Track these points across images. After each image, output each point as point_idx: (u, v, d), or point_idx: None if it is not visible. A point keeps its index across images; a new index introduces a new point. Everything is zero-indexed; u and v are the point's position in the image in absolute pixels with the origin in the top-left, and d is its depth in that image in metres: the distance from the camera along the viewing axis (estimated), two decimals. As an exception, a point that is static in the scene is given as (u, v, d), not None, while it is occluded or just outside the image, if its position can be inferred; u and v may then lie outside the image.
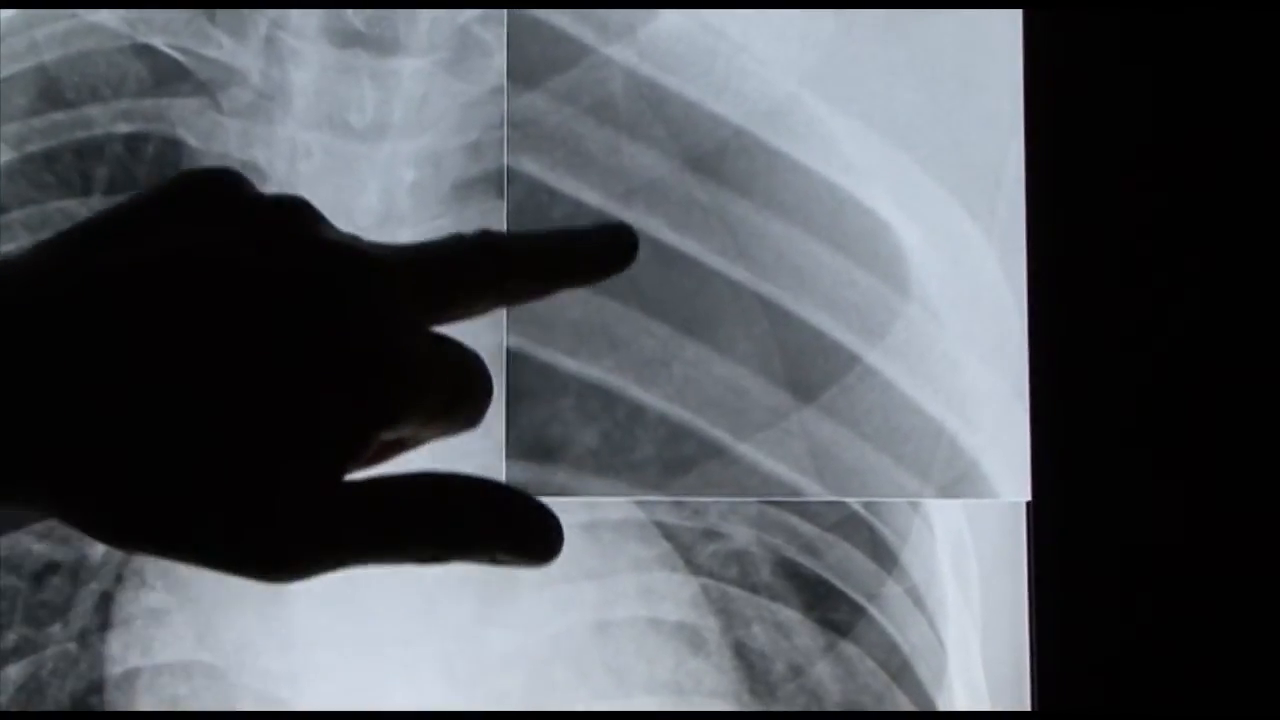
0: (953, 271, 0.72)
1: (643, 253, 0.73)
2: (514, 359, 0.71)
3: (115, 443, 0.33)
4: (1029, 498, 0.71)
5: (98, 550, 0.69)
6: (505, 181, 0.71)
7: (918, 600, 0.71)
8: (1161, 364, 0.72)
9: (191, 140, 0.71)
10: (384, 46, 0.72)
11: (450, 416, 0.37)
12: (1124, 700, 0.71)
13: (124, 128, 0.71)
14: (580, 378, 0.71)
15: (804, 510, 0.71)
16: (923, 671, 0.71)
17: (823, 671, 0.71)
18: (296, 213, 0.37)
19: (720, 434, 0.71)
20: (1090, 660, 0.71)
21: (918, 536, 0.72)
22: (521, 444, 0.70)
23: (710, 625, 0.71)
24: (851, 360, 0.72)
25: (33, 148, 0.71)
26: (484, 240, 0.39)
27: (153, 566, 0.70)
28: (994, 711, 0.71)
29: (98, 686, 0.69)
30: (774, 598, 0.71)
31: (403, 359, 0.35)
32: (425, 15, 0.72)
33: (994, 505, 0.72)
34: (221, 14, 0.71)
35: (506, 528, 0.37)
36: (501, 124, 0.72)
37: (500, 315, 0.71)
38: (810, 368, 0.71)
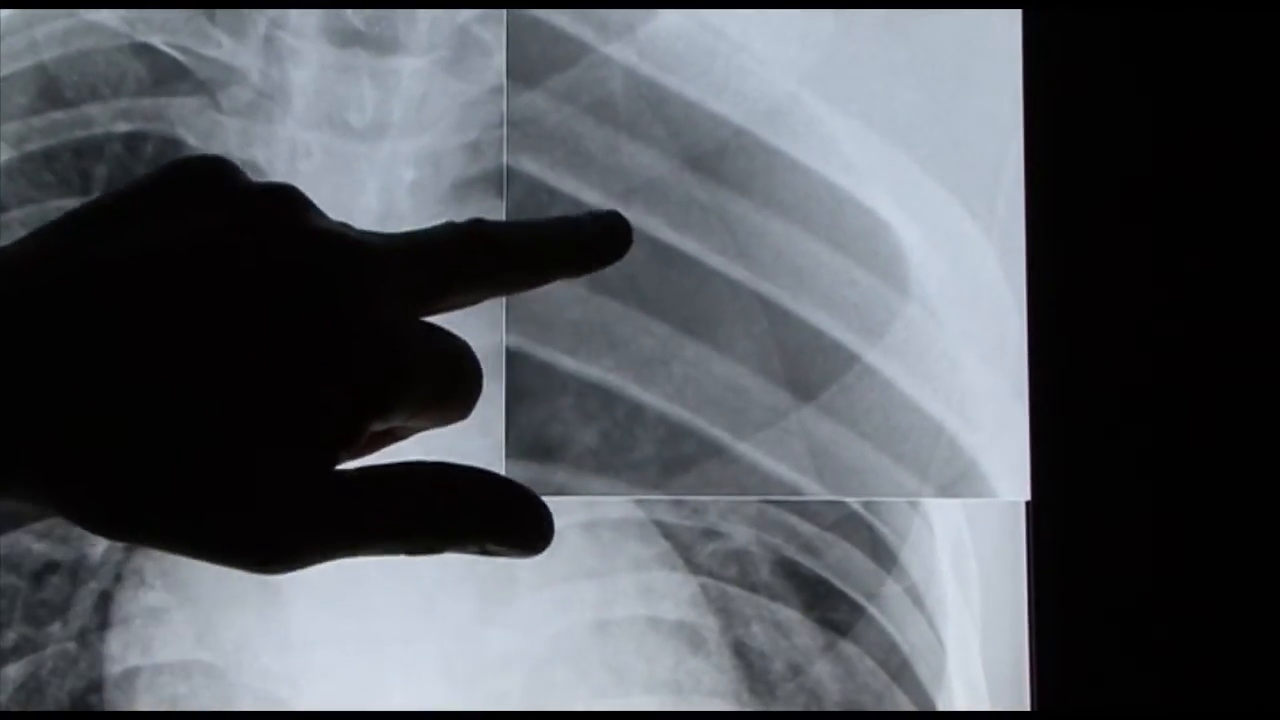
0: (952, 271, 0.72)
1: (642, 252, 0.73)
2: (513, 358, 0.71)
3: (106, 432, 0.33)
4: (1028, 497, 0.71)
5: (97, 549, 0.69)
6: (505, 181, 0.71)
7: (917, 599, 0.71)
8: (1161, 363, 0.72)
9: (191, 139, 0.71)
10: (383, 46, 0.72)
11: (441, 407, 0.37)
12: (1123, 700, 0.71)
13: (123, 127, 0.71)
14: (580, 377, 0.71)
15: (803, 509, 0.71)
16: (922, 671, 0.71)
17: (822, 671, 0.71)
18: (287, 201, 0.37)
19: (720, 433, 0.71)
20: (1090, 659, 0.71)
21: (917, 536, 0.72)
22: (521, 443, 0.70)
23: (710, 624, 0.71)
24: (851, 359, 0.72)
25: (32, 147, 0.71)
26: (477, 229, 0.39)
27: (152, 565, 0.70)
28: (994, 712, 0.71)
29: (97, 686, 0.69)
30: (773, 597, 0.71)
31: (394, 349, 0.35)
32: (425, 14, 0.72)
33: (993, 504, 0.72)
34: (221, 13, 0.71)
35: (497, 518, 0.37)
36: (501, 123, 0.72)
37: (499, 314, 0.71)
38: (809, 367, 0.71)
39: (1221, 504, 0.71)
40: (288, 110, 0.72)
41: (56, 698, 0.69)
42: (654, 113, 0.72)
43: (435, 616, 0.70)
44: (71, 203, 0.70)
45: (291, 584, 0.69)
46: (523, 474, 0.70)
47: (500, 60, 0.72)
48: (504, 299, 0.71)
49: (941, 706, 0.71)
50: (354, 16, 0.72)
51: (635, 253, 0.71)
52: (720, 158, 0.72)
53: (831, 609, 0.71)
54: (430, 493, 0.36)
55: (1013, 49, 0.73)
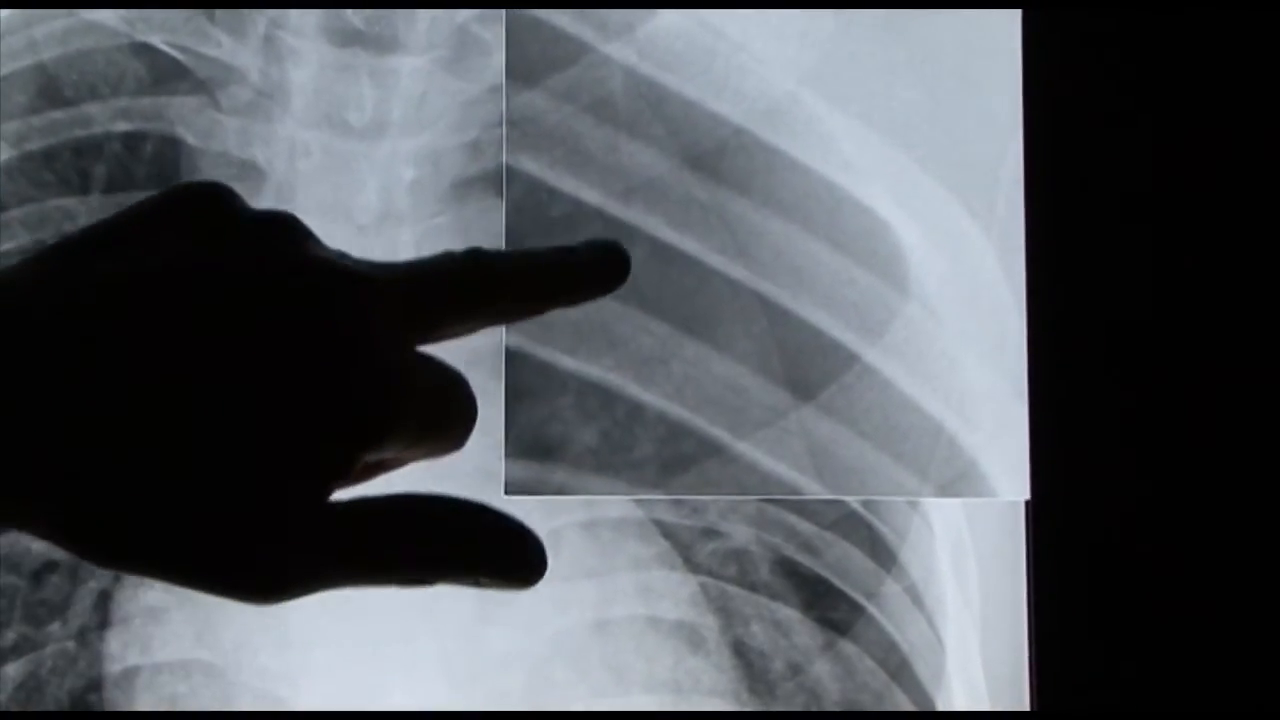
0: (952, 270, 0.72)
1: (641, 251, 0.73)
2: (513, 358, 0.71)
3: (98, 460, 0.33)
4: (1028, 496, 0.71)
5: (96, 549, 0.69)
6: (504, 180, 0.71)
7: (916, 599, 0.71)
8: (1160, 362, 0.72)
9: (190, 139, 0.71)
10: (383, 45, 0.72)
11: (435, 439, 0.37)
12: (1123, 699, 0.71)
13: (123, 126, 0.71)
14: (579, 376, 0.71)
15: (803, 509, 0.71)
16: (921, 670, 0.71)
17: (821, 670, 0.71)
18: (285, 229, 0.37)
19: (719, 432, 0.71)
20: (1089, 659, 0.71)
21: (916, 535, 0.72)
22: (520, 442, 0.70)
23: (709, 624, 0.71)
24: (850, 359, 0.72)
25: (31, 146, 0.71)
26: (474, 259, 0.38)
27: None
28: (994, 712, 0.71)
29: (96, 685, 0.69)
30: (773, 596, 0.71)
31: (389, 380, 0.35)
32: (424, 14, 0.72)
33: (993, 504, 0.72)
34: (220, 12, 0.71)
35: (490, 550, 0.37)
36: (500, 122, 0.72)
37: (499, 314, 0.71)
38: (809, 366, 0.71)
39: (1221, 503, 0.71)
40: (287, 109, 0.72)
41: (56, 697, 0.69)
42: (653, 112, 0.72)
43: (435, 615, 0.70)
44: (71, 202, 0.70)
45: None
46: (522, 473, 0.70)
47: (499, 59, 0.72)
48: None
49: (941, 706, 0.71)
50: (353, 16, 0.72)
51: (635, 252, 0.71)
52: (720, 157, 0.72)
53: (831, 608, 0.71)
54: (423, 525, 0.36)
55: (1012, 49, 0.73)
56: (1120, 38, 0.72)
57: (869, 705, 0.71)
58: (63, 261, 0.35)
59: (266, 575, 0.34)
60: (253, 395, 0.34)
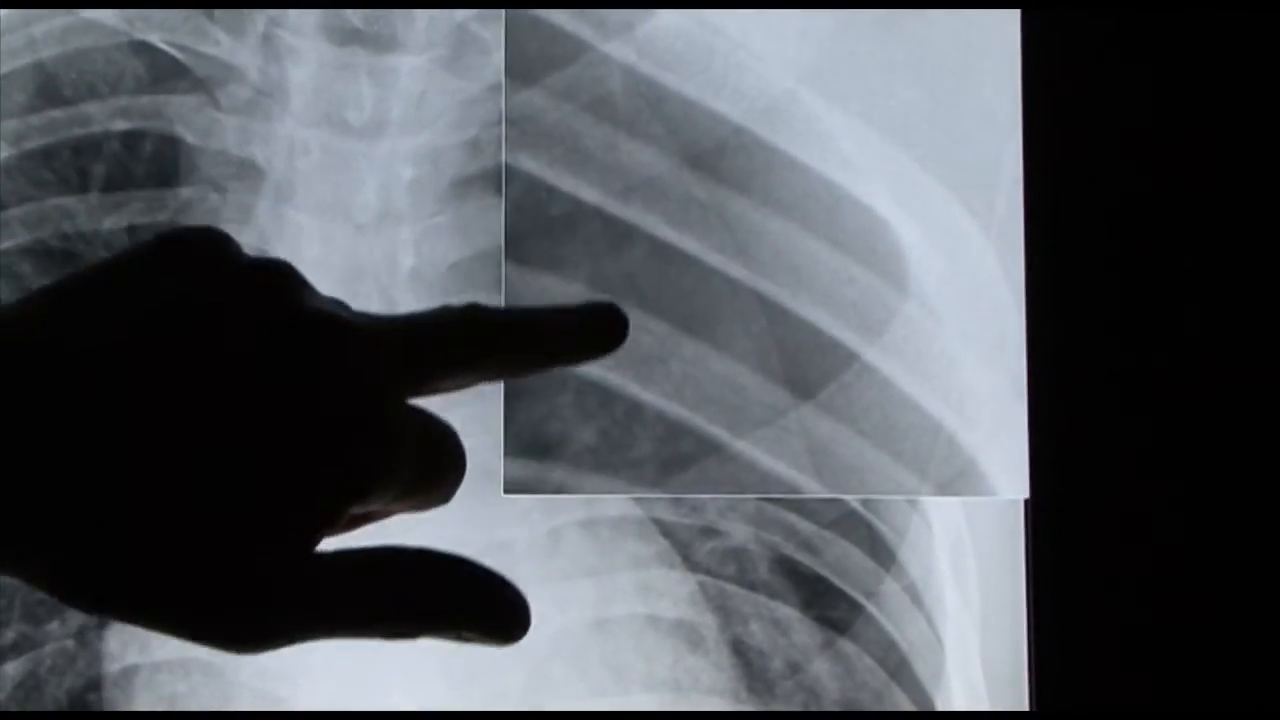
0: (951, 269, 0.72)
1: (641, 250, 0.73)
2: (512, 356, 0.70)
3: (83, 509, 0.33)
4: (1027, 495, 0.71)
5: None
6: (504, 179, 0.71)
7: (916, 598, 0.71)
8: (1160, 361, 0.72)
9: (189, 137, 0.71)
10: (382, 44, 0.72)
11: (423, 493, 0.37)
12: (1122, 699, 0.71)
13: (122, 125, 0.71)
14: (578, 375, 0.71)
15: (802, 507, 0.71)
16: (921, 669, 0.71)
17: (821, 669, 0.71)
18: (280, 279, 0.36)
19: (718, 431, 0.71)
20: (1088, 658, 0.71)
21: (916, 534, 0.72)
22: (519, 441, 0.70)
23: (708, 622, 0.71)
24: (850, 358, 0.72)
25: (30, 145, 0.71)
26: (470, 316, 0.38)
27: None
28: (994, 712, 0.71)
29: (96, 684, 0.69)
30: (772, 595, 0.71)
31: (378, 435, 0.35)
32: (423, 12, 0.72)
33: (992, 503, 0.72)
34: (219, 11, 0.71)
35: (473, 607, 0.37)
36: (500, 121, 0.72)
37: (498, 313, 0.71)
38: (808, 365, 0.71)
39: (1221, 502, 0.71)
40: (286, 108, 0.72)
41: (55, 696, 0.69)
42: (653, 111, 0.72)
43: (434, 615, 0.70)
44: (70, 201, 0.70)
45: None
46: (521, 472, 0.70)
47: (499, 58, 0.72)
48: (502, 296, 0.71)
49: (940, 704, 0.71)
50: (352, 14, 0.72)
51: (634, 250, 0.72)
52: (719, 156, 0.72)
53: (830, 607, 0.71)
54: (406, 580, 0.36)
55: (1011, 47, 0.73)
56: (1119, 38, 0.72)
57: (868, 704, 0.71)
58: (54, 305, 0.35)
59: (247, 626, 0.34)
60: (240, 445, 0.34)
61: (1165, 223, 0.72)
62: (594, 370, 0.71)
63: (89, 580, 0.33)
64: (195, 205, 0.71)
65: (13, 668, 0.69)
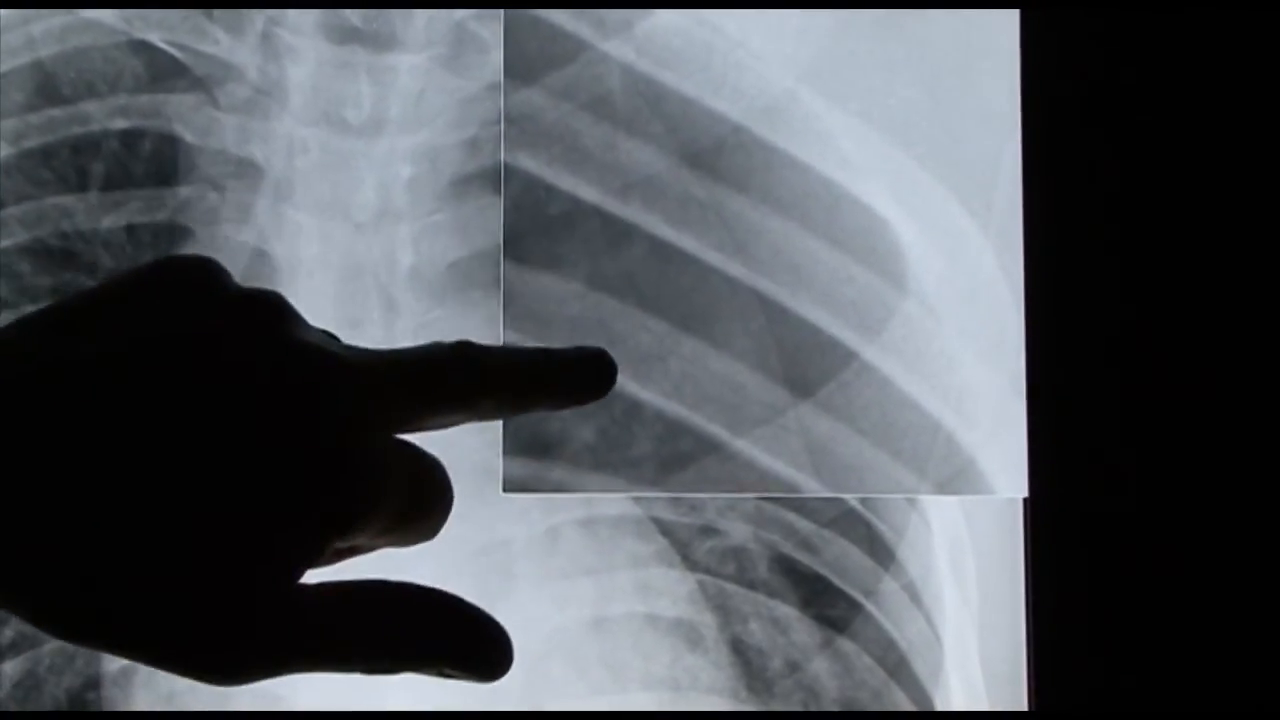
0: (950, 268, 0.72)
1: (639, 248, 0.73)
2: (511, 355, 0.70)
3: (64, 541, 0.33)
4: (1026, 494, 0.71)
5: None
6: (502, 177, 0.71)
7: (915, 596, 0.71)
8: (1159, 360, 0.72)
9: (188, 136, 0.71)
10: (381, 42, 0.72)
11: (408, 528, 0.37)
12: (1122, 697, 0.71)
13: (121, 124, 0.71)
14: (577, 374, 0.71)
15: (801, 506, 0.71)
16: (920, 668, 0.71)
17: (820, 668, 0.71)
18: (270, 311, 0.36)
19: (717, 430, 0.71)
20: (1088, 656, 0.71)
21: (915, 533, 0.72)
22: (518, 440, 0.70)
23: (707, 621, 0.71)
24: (848, 356, 0.72)
25: (29, 144, 0.71)
26: (460, 354, 0.38)
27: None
28: (993, 712, 0.71)
29: (95, 683, 0.69)
30: (771, 594, 0.71)
31: (363, 468, 0.35)
32: (422, 11, 0.72)
33: (991, 501, 0.72)
34: (218, 10, 0.71)
35: (456, 643, 0.37)
36: (498, 120, 0.72)
37: (497, 311, 0.71)
38: (807, 364, 0.71)
39: (1220, 501, 0.71)
40: (285, 107, 0.72)
41: (54, 694, 0.69)
42: (652, 109, 0.72)
43: (433, 613, 0.70)
44: (69, 200, 0.70)
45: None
46: (520, 471, 0.70)
47: (498, 57, 0.72)
48: (501, 294, 0.71)
49: (939, 703, 0.71)
50: (351, 13, 0.72)
51: (633, 249, 0.72)
52: (718, 154, 0.72)
53: (829, 606, 0.71)
54: (389, 616, 0.36)
55: (1010, 46, 0.73)
56: (1118, 38, 0.72)
57: (867, 703, 0.71)
58: (42, 332, 0.35)
59: (228, 659, 0.34)
60: (225, 477, 0.33)
61: (1164, 222, 0.72)
62: (593, 369, 0.71)
63: (69, 610, 0.33)
64: (194, 204, 0.71)
65: (11, 666, 0.69)
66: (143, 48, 0.71)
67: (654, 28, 0.72)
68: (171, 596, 0.33)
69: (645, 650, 0.71)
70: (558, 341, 0.71)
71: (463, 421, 0.39)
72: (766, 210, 0.72)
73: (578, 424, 0.71)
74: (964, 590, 0.72)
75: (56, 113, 0.71)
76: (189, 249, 0.70)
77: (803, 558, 0.71)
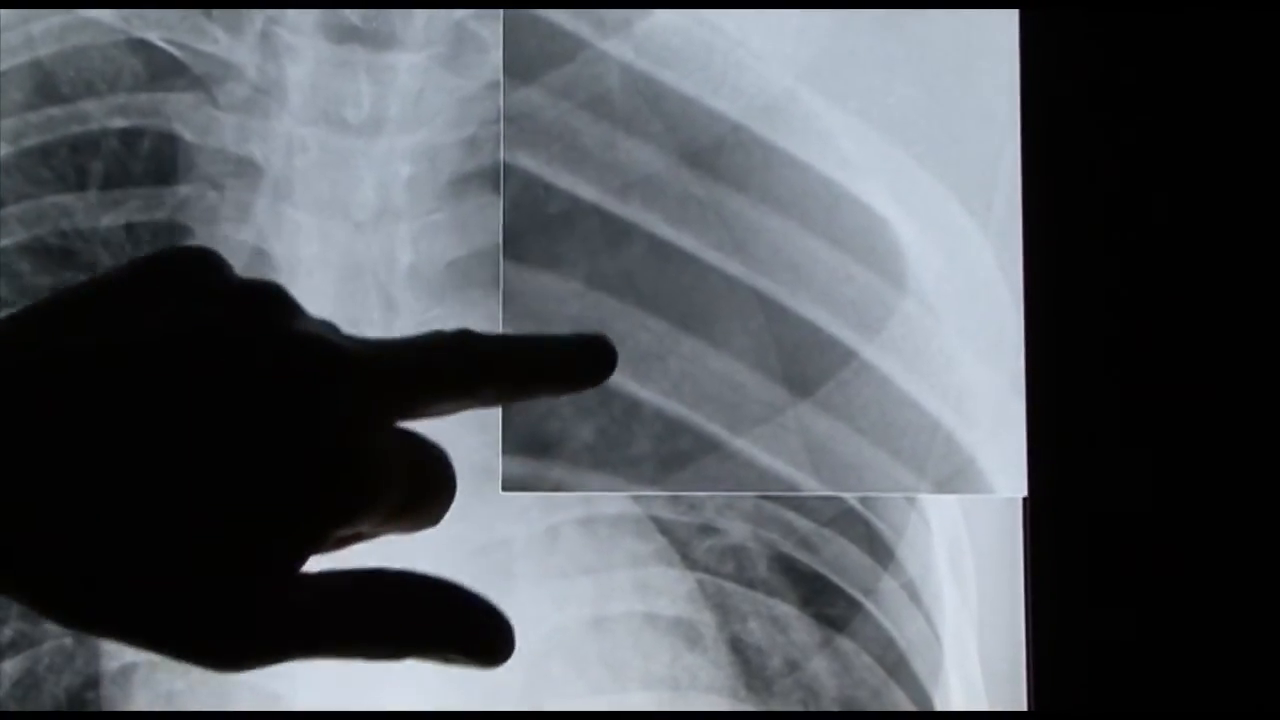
0: (949, 267, 0.72)
1: (639, 247, 0.73)
2: (510, 354, 0.70)
3: (69, 529, 0.33)
4: (1025, 493, 0.71)
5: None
6: (501, 176, 0.71)
7: (914, 595, 0.71)
8: (1158, 359, 0.72)
9: (187, 135, 0.71)
10: (380, 41, 0.72)
11: (411, 516, 0.37)
12: (1121, 697, 0.71)
13: (120, 122, 0.71)
14: (577, 373, 0.71)
15: (800, 505, 0.71)
16: (919, 666, 0.71)
17: (819, 666, 0.71)
18: (270, 301, 0.36)
19: (716, 429, 0.71)
20: (1087, 656, 0.71)
21: (914, 532, 0.72)
22: (517, 439, 0.70)
23: (706, 620, 0.71)
24: (848, 355, 0.72)
25: (28, 142, 0.71)
26: (461, 342, 0.38)
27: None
28: (993, 712, 0.71)
29: (94, 682, 0.69)
30: (770, 593, 0.71)
31: (365, 458, 0.35)
32: (421, 10, 0.72)
33: (990, 500, 0.72)
34: (217, 9, 0.71)
35: (457, 629, 0.37)
36: (498, 119, 0.72)
37: (496, 309, 0.71)
38: (806, 363, 0.71)
39: (1219, 500, 0.71)
40: (284, 106, 0.72)
41: (53, 693, 0.69)
42: (651, 108, 0.72)
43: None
44: (68, 199, 0.70)
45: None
46: (519, 470, 0.70)
47: (497, 56, 0.72)
48: (500, 292, 0.71)
49: (938, 702, 0.71)
50: (351, 12, 0.72)
51: (632, 248, 0.72)
52: (717, 153, 0.72)
53: (828, 605, 0.71)
54: (391, 603, 0.36)
55: (1010, 46, 0.73)
56: (1117, 38, 0.72)
57: (866, 702, 0.71)
58: (44, 323, 0.35)
59: (231, 646, 0.34)
60: (227, 467, 0.34)
61: (1163, 221, 0.72)
62: (592, 368, 0.71)
63: (72, 597, 0.33)
64: (193, 203, 0.71)
65: (11, 665, 0.69)
66: (142, 46, 0.71)
67: (653, 27, 0.72)
68: (173, 585, 0.33)
69: (644, 649, 0.71)
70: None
71: (464, 409, 0.39)
72: (766, 209, 0.72)
73: (577, 423, 0.71)
74: (963, 589, 0.72)
75: (56, 111, 0.71)
76: (188, 248, 0.70)
77: (802, 556, 0.71)
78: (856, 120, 0.72)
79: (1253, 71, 0.72)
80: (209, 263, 0.37)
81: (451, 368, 0.38)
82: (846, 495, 0.71)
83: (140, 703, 0.69)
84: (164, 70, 0.71)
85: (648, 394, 0.71)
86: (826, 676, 0.71)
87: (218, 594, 0.34)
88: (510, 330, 0.70)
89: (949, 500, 0.72)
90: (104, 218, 0.70)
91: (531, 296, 0.71)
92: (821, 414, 0.71)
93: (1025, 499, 0.72)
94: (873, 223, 0.72)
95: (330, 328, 0.37)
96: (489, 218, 0.71)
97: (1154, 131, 0.72)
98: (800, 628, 0.71)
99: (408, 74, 0.72)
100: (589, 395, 0.71)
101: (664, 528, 0.71)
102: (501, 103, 0.71)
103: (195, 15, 0.71)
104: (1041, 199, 0.72)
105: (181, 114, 0.71)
